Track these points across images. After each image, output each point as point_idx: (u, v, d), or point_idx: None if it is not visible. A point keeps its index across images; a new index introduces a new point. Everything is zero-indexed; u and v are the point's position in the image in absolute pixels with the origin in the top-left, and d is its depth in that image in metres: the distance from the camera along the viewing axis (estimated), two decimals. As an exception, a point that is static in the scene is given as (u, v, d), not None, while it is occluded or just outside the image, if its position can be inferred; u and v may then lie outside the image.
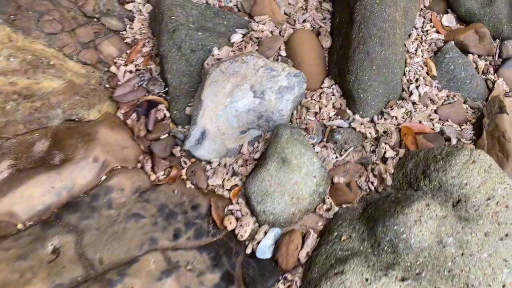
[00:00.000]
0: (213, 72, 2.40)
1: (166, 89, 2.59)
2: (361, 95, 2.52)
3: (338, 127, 2.48)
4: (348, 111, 2.57)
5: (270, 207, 2.08)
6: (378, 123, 2.46)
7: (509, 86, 2.57)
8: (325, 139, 2.46)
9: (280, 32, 2.76)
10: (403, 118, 2.45)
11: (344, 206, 2.21)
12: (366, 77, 2.48)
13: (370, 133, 2.42)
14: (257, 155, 2.35)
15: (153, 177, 2.24)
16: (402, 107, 2.44)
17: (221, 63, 2.43)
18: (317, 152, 2.37)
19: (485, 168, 1.88)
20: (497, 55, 2.63)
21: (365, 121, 2.52)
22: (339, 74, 2.61)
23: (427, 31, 2.79)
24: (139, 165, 2.28)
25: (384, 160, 2.32)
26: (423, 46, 2.71)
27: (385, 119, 2.39)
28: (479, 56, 2.65)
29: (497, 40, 2.71)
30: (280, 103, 2.45)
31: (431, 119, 2.44)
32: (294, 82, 2.48)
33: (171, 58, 2.59)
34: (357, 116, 2.54)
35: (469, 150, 1.94)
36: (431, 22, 2.81)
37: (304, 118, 2.50)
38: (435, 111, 2.49)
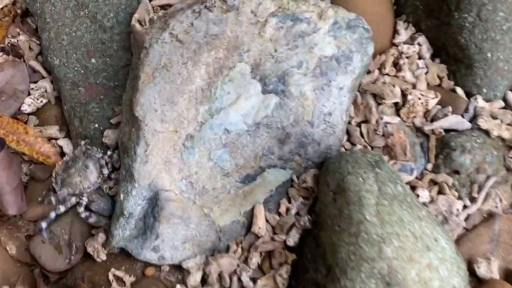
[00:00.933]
0: (155, 44, 0.94)
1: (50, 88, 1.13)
2: (488, 54, 1.14)
3: (451, 131, 1.12)
4: (459, 90, 1.18)
5: None
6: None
7: None
8: (430, 164, 1.10)
9: None
10: None
11: None
12: (501, 15, 1.09)
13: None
14: (291, 239, 0.97)
15: None
16: None
17: (172, 18, 0.96)
18: (424, 205, 1.01)
19: None
20: None
21: (496, 106, 1.16)
22: (427, 11, 1.21)
23: None
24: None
25: None
26: None
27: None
28: None
29: None
30: (325, 100, 1.04)
31: None
32: (350, 42, 1.05)
33: (56, 17, 1.09)
34: (479, 99, 1.17)
35: None
36: None
37: (377, 124, 1.11)
38: None
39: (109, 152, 1.09)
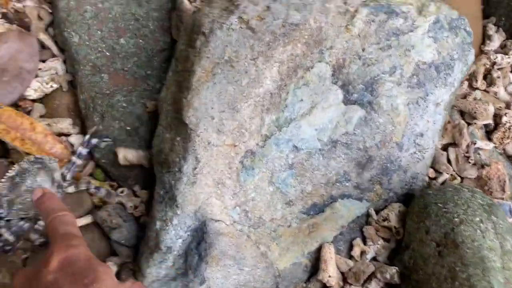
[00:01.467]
0: (219, 30, 0.70)
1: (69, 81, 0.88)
2: None
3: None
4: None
5: None
6: None
7: None
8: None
9: None
10: None
11: None
12: None
13: None
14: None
15: None
16: None
17: (240, 3, 0.72)
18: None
19: None
20: None
21: None
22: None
23: None
24: None
25: None
26: None
27: None
28: None
29: None
30: (418, 117, 0.83)
31: None
32: (451, 47, 0.84)
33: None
34: None
35: None
36: None
37: (468, 150, 0.90)
38: None
39: (74, 158, 0.85)
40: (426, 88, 0.82)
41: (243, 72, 0.72)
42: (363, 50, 0.80)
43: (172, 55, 0.91)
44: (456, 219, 0.70)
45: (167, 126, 0.79)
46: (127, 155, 0.86)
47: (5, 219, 0.77)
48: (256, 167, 0.77)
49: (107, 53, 0.89)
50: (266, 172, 0.78)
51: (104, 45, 0.89)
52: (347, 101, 0.80)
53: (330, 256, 0.79)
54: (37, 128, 0.85)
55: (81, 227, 0.84)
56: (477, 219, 0.70)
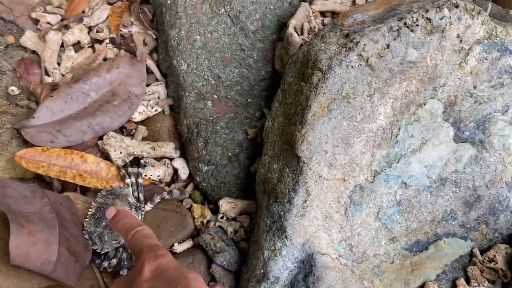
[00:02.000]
0: (337, 67, 0.71)
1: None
2: None
3: None
4: None
5: None
6: None
7: None
8: None
9: None
10: None
11: None
12: None
13: None
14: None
15: None
16: None
17: (362, 36, 0.73)
18: None
19: None
20: None
21: None
22: None
23: None
24: None
25: None
26: None
27: None
28: None
29: None
30: (530, 156, 0.80)
31: None
32: None
33: (191, 11, 0.89)
34: None
35: None
36: None
37: None
38: None
39: (128, 180, 0.89)
40: (540, 127, 0.80)
41: (358, 108, 0.73)
42: (475, 87, 0.79)
43: (272, 85, 0.93)
44: None
45: (273, 156, 0.81)
46: (229, 209, 0.88)
47: (102, 252, 0.82)
48: (364, 202, 0.77)
49: (213, 81, 0.92)
50: (373, 207, 0.78)
51: (210, 74, 0.92)
52: (458, 139, 0.79)
53: (435, 297, 0.78)
54: (89, 159, 0.88)
55: (182, 252, 0.87)
56: None
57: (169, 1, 0.92)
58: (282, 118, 0.81)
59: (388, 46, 0.72)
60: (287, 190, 0.76)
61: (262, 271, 0.77)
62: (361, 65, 0.72)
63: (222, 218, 0.89)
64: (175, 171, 0.95)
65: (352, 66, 0.72)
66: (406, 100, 0.76)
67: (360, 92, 0.73)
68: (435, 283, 0.80)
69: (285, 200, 0.76)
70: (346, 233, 0.77)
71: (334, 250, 0.77)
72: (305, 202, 0.74)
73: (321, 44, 0.77)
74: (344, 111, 0.73)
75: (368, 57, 0.72)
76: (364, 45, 0.72)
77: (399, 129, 0.76)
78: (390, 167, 0.77)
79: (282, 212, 0.76)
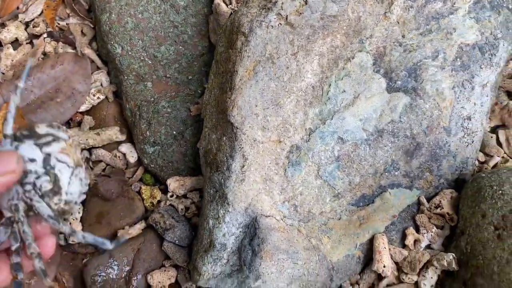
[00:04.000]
0: (258, 28, 0.71)
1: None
2: None
3: None
4: None
5: None
6: None
7: None
8: None
9: None
10: None
11: None
12: None
13: None
14: (427, 283, 0.75)
15: None
16: None
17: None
18: None
19: None
20: None
21: None
22: None
23: None
24: None
25: None
26: None
27: None
28: None
29: None
30: (465, 100, 0.81)
31: None
32: (494, 26, 0.82)
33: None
34: None
35: None
36: None
37: (521, 129, 0.87)
38: None
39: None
40: (471, 70, 0.80)
41: (284, 67, 0.73)
42: (403, 36, 0.79)
43: (211, 59, 0.93)
44: (514, 201, 0.68)
45: (212, 127, 0.81)
46: (177, 187, 0.88)
47: None
48: (302, 162, 0.77)
49: (149, 62, 0.92)
50: (312, 165, 0.78)
51: (146, 54, 0.92)
52: (390, 89, 0.79)
53: (384, 246, 0.79)
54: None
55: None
56: (538, 199, 0.67)
57: (96, -14, 0.91)
58: (217, 89, 0.81)
59: (306, 2, 0.72)
60: (225, 158, 0.76)
61: (208, 240, 0.77)
62: (281, 24, 0.72)
63: (172, 196, 0.89)
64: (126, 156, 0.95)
65: (272, 26, 0.72)
66: (333, 56, 0.76)
67: (283, 52, 0.73)
68: (383, 235, 0.80)
69: (225, 168, 0.76)
70: (288, 193, 0.77)
71: (278, 212, 0.77)
72: (243, 167, 0.75)
73: (244, 9, 0.77)
74: (270, 72, 0.73)
75: (287, 15, 0.72)
76: (282, 3, 0.72)
77: (330, 85, 0.77)
78: (325, 124, 0.77)
79: (222, 180, 0.76)
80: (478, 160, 0.88)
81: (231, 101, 0.74)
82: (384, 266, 0.77)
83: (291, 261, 0.76)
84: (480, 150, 0.90)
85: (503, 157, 0.88)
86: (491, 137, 0.89)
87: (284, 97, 0.74)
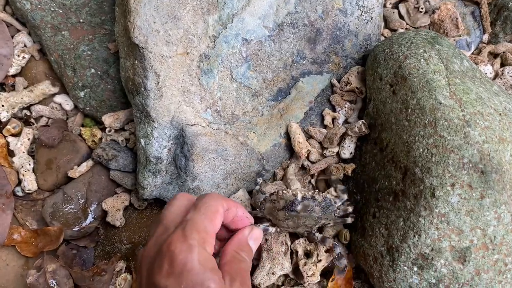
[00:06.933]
0: None
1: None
2: None
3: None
4: None
5: None
6: None
7: None
8: (486, 35, 0.93)
9: None
10: None
11: None
12: None
13: None
14: (346, 151, 0.83)
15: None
16: None
17: None
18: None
19: None
20: None
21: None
22: None
23: None
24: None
25: None
26: None
27: None
28: None
29: None
30: (355, -21, 0.86)
31: None
32: None
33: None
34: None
35: None
36: None
37: (417, 0, 0.93)
38: None
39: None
40: (354, -51, 0.84)
41: (172, -19, 0.77)
42: None
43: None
44: (401, 57, 0.74)
45: (126, 56, 0.85)
46: (113, 121, 0.93)
47: None
48: (213, 68, 0.83)
49: (60, 11, 0.95)
50: (224, 70, 0.83)
51: (54, 4, 0.95)
52: (281, -17, 0.83)
53: (295, 129, 0.85)
54: None
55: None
56: (421, 50, 0.74)
57: None
58: (122, 19, 0.85)
59: None
60: (140, 79, 0.81)
61: (144, 157, 0.84)
62: None
63: (110, 131, 0.95)
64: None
65: None
66: (218, -39, 0.79)
67: (167, -35, 0.76)
68: (297, 123, 0.87)
69: (142, 89, 0.81)
70: (208, 101, 0.83)
71: (203, 119, 0.83)
72: (158, 83, 0.80)
73: None
74: (160, -13, 0.77)
75: None
76: None
77: (223, -10, 0.81)
78: (226, 28, 0.82)
79: (143, 100, 0.82)
80: (384, 36, 0.94)
81: (131, 23, 0.78)
82: (299, 142, 0.84)
83: (222, 158, 0.83)
84: (386, 27, 0.95)
85: (406, 28, 0.94)
86: (393, 12, 0.95)
87: (179, 9, 0.78)
